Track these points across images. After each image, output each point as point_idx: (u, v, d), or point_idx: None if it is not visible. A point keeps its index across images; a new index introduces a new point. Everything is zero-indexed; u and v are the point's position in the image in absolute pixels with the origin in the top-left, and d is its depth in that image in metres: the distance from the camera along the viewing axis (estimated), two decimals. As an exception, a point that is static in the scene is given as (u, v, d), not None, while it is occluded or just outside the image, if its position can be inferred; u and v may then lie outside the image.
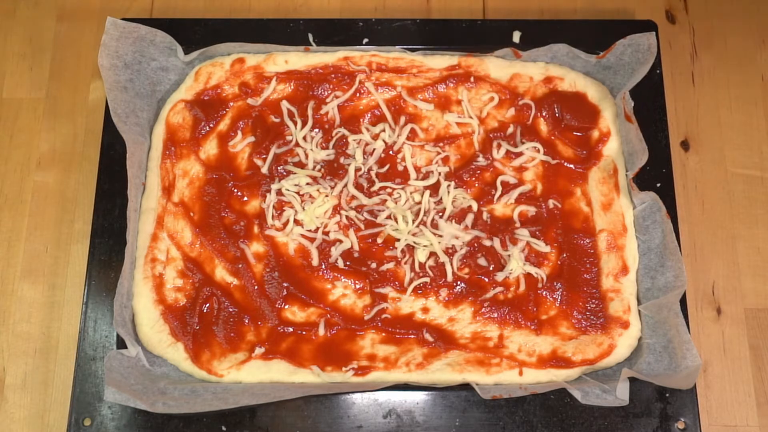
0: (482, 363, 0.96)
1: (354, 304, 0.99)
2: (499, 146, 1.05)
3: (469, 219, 1.02)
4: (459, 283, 0.99)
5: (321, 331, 0.97)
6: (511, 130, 1.06)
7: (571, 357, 0.96)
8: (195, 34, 1.09)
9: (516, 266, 0.99)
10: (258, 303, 0.99)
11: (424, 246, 1.00)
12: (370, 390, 0.94)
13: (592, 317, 0.98)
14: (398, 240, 1.01)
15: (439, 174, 1.03)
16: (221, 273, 1.00)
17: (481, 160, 1.05)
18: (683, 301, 0.96)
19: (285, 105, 1.07)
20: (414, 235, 1.01)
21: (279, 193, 1.03)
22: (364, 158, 1.05)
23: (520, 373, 0.96)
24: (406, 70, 1.08)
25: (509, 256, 1.00)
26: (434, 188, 1.04)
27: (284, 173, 1.04)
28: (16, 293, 1.05)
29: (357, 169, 1.04)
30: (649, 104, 1.06)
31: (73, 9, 1.19)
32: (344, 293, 0.99)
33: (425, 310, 0.99)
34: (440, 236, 1.00)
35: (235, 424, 0.94)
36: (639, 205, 1.01)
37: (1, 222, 1.09)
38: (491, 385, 0.95)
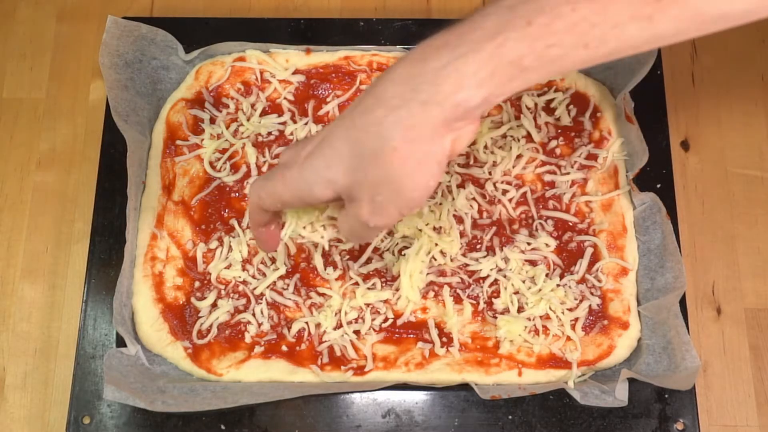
0: (481, 363, 0.96)
1: (354, 302, 0.98)
2: (499, 147, 1.05)
3: (468, 219, 1.02)
4: (458, 283, 0.99)
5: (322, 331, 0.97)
6: (511, 130, 1.06)
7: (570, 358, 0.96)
8: (195, 33, 1.08)
9: (515, 266, 0.99)
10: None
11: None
12: (369, 390, 0.94)
13: (591, 318, 0.98)
14: (398, 239, 1.01)
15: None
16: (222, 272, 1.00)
17: (481, 161, 1.05)
18: (683, 301, 0.96)
19: (285, 104, 1.07)
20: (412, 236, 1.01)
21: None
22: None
23: (519, 374, 0.95)
24: (407, 69, 1.08)
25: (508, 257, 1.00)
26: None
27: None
28: (17, 293, 1.05)
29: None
30: (649, 105, 1.06)
31: (73, 9, 1.19)
32: (344, 292, 0.99)
33: (424, 309, 0.99)
34: (439, 236, 1.00)
35: (234, 422, 0.94)
36: (639, 206, 1.01)
37: (1, 222, 1.08)
38: (490, 385, 0.95)
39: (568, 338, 0.97)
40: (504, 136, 1.06)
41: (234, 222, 1.02)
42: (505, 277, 0.99)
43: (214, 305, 0.98)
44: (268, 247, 0.88)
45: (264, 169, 1.04)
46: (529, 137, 1.06)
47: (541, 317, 0.97)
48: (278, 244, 0.88)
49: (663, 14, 0.59)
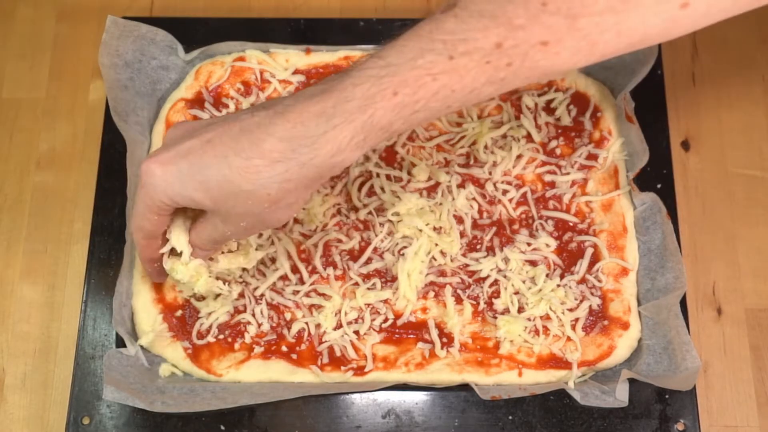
0: (481, 363, 0.96)
1: (354, 303, 0.98)
2: (499, 147, 1.05)
3: (469, 219, 1.02)
4: (458, 283, 0.99)
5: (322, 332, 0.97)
6: (511, 130, 1.05)
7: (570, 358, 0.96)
8: (195, 33, 1.08)
9: (515, 266, 0.99)
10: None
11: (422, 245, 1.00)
12: (369, 390, 0.94)
13: (591, 318, 0.98)
14: (398, 239, 1.00)
15: (439, 175, 1.03)
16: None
17: (481, 161, 1.04)
18: (683, 302, 0.96)
19: (285, 104, 1.07)
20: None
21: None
22: (364, 158, 1.04)
23: (520, 374, 0.95)
24: (407, 69, 1.08)
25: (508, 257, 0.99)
26: (434, 188, 1.03)
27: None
28: (16, 293, 1.05)
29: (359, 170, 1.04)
30: (649, 104, 1.06)
31: (73, 9, 1.19)
32: (344, 293, 0.99)
33: (424, 309, 0.99)
34: (439, 236, 1.00)
35: (233, 423, 0.93)
36: (639, 206, 1.01)
37: (1, 222, 1.08)
38: (490, 385, 0.95)
39: (569, 338, 0.97)
40: (504, 136, 1.06)
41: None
42: (505, 277, 0.99)
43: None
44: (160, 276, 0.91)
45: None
46: (529, 137, 1.06)
47: (541, 317, 0.97)
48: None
49: (515, 76, 0.67)
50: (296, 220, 1.01)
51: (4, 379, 1.01)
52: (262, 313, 0.97)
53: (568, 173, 1.04)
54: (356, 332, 0.97)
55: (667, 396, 0.94)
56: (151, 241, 0.84)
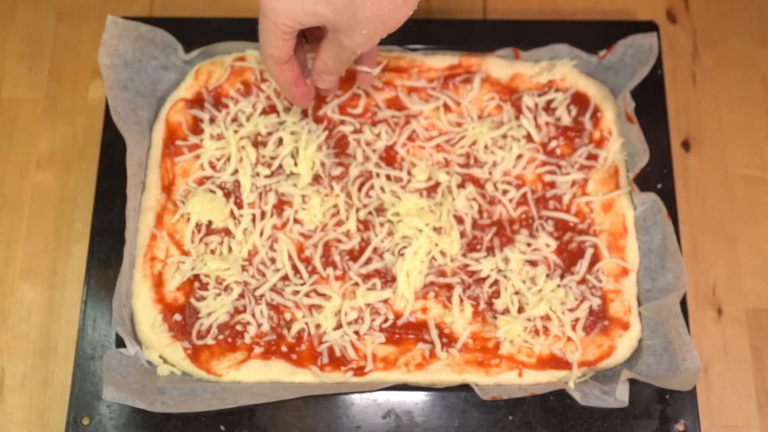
0: (482, 364, 0.96)
1: (354, 303, 0.98)
2: (499, 147, 1.05)
3: (469, 220, 1.02)
4: (459, 283, 0.99)
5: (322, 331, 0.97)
6: (511, 130, 1.05)
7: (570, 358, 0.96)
8: (195, 33, 1.08)
9: (515, 266, 0.99)
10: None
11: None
12: (369, 390, 0.94)
13: (591, 318, 0.98)
14: (398, 239, 1.00)
15: (439, 175, 1.03)
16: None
17: (481, 161, 1.04)
18: (684, 302, 0.96)
19: (285, 104, 1.07)
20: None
21: (279, 192, 1.02)
22: (364, 158, 1.04)
23: (520, 374, 0.95)
24: (407, 69, 1.08)
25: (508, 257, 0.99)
26: (434, 188, 1.03)
27: (284, 172, 1.04)
28: (16, 294, 1.05)
29: (358, 170, 1.04)
30: (650, 104, 1.06)
31: (73, 9, 1.19)
32: (343, 293, 0.99)
33: (425, 310, 0.98)
34: (439, 236, 1.00)
35: (233, 423, 0.93)
36: (640, 206, 1.01)
37: (1, 222, 1.08)
38: (490, 385, 0.95)
39: (569, 339, 0.97)
40: (504, 136, 1.05)
41: (234, 222, 1.01)
42: (505, 277, 0.99)
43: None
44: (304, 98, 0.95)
45: (259, 168, 1.04)
46: (529, 137, 1.06)
47: (541, 318, 0.97)
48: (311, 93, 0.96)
49: None
50: (296, 220, 1.02)
51: (3, 379, 1.01)
52: (261, 313, 0.97)
53: (568, 173, 1.04)
54: (356, 332, 0.97)
55: (667, 396, 0.94)
56: (282, 66, 0.89)
